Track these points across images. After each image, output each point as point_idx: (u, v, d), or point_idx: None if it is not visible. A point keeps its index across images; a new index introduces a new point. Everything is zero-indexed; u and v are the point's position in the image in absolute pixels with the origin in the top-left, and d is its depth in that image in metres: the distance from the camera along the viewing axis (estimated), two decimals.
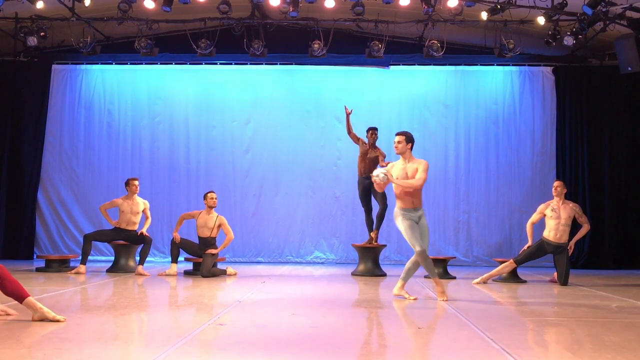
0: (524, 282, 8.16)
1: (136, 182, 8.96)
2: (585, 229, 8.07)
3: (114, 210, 8.98)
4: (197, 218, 8.63)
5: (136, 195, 8.94)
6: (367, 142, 8.96)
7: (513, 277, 8.09)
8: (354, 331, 4.60)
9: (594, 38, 10.23)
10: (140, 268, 8.45)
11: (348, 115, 8.90)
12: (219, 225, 8.55)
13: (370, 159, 8.90)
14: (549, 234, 7.91)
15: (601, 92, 11.08)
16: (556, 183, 8.18)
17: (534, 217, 8.16)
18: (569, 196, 10.93)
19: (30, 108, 11.33)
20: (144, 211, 8.98)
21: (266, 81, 11.70)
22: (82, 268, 8.43)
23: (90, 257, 8.87)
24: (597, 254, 10.75)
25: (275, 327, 4.50)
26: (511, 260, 7.99)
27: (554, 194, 8.06)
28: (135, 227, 8.84)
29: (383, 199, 8.79)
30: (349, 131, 9.00)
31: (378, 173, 6.09)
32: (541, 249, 7.89)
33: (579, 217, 8.01)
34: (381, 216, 8.89)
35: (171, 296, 6.70)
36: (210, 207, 8.58)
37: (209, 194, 8.64)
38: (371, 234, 8.97)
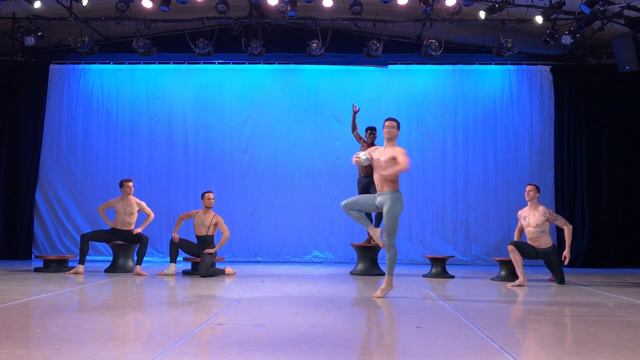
0: None
1: (130, 184, 8.91)
2: (567, 231, 7.67)
3: (110, 210, 8.97)
4: (195, 217, 8.63)
5: (131, 196, 8.91)
6: (367, 141, 8.98)
7: (511, 276, 8.08)
8: (353, 330, 4.60)
9: (592, 37, 10.24)
10: (138, 268, 8.45)
11: (355, 113, 8.93)
12: (215, 224, 8.57)
13: None
14: (528, 240, 7.88)
15: (599, 90, 11.09)
16: (528, 187, 7.94)
17: (518, 224, 8.04)
18: (567, 195, 11.02)
19: (28, 108, 11.32)
20: (142, 210, 8.96)
21: (264, 80, 11.70)
22: (81, 268, 8.42)
23: (88, 257, 8.85)
24: (595, 252, 10.76)
25: (274, 327, 4.50)
26: (510, 246, 7.71)
27: (526, 198, 7.89)
28: (131, 228, 8.83)
29: None
30: (353, 129, 9.03)
31: (361, 155, 6.15)
32: (532, 249, 7.87)
33: (554, 221, 7.75)
34: (380, 215, 8.89)
35: (170, 296, 6.70)
36: (208, 207, 8.59)
37: (206, 194, 8.65)
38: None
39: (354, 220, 10.93)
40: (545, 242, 7.75)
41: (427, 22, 10.09)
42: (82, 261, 8.49)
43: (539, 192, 7.99)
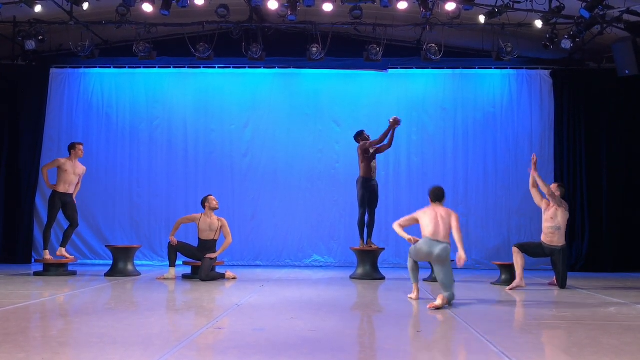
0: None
1: (82, 147, 9.23)
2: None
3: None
4: (199, 222, 8.60)
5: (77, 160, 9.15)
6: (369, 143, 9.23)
7: (512, 280, 8.07)
8: (353, 335, 4.60)
9: (592, 41, 10.25)
10: (62, 250, 8.90)
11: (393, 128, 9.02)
12: (221, 227, 8.57)
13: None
14: (543, 236, 7.96)
15: (599, 95, 11.09)
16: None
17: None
18: (567, 199, 10.93)
19: (28, 112, 11.32)
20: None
21: (264, 85, 11.70)
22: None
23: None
24: (595, 257, 10.75)
25: (274, 331, 4.50)
26: (514, 248, 7.89)
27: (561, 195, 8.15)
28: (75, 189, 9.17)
29: (374, 204, 9.11)
30: (380, 141, 9.10)
31: None
32: (539, 247, 7.91)
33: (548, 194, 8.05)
34: (371, 223, 9.16)
35: (169, 300, 6.70)
36: (212, 210, 8.58)
37: (210, 197, 8.64)
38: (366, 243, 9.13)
39: (353, 224, 11.02)
40: (558, 240, 7.83)
41: (427, 27, 10.10)
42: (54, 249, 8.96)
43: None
